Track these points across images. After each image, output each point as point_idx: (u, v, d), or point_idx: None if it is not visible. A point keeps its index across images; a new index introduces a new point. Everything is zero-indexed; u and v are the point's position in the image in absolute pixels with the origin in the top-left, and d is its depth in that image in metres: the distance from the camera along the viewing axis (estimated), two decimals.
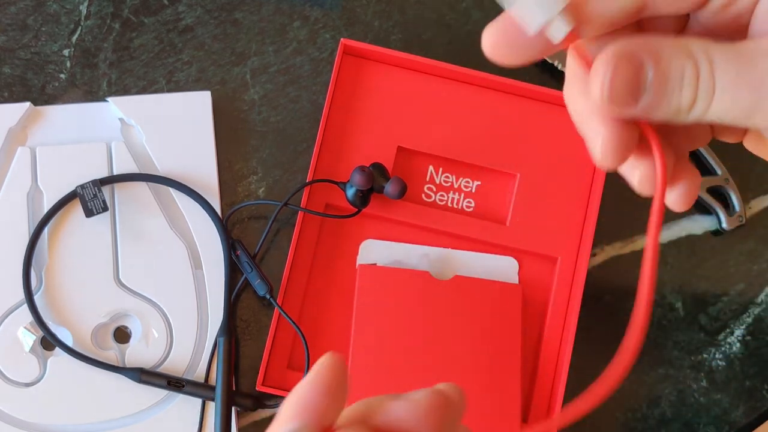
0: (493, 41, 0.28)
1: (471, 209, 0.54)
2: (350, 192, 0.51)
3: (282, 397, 0.50)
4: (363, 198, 0.52)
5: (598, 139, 0.26)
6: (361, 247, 0.53)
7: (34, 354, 0.50)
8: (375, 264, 0.52)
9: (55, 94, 0.55)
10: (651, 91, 0.24)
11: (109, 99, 0.54)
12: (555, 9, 0.24)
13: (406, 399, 0.24)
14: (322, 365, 0.25)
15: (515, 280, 0.53)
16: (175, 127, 0.54)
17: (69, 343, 0.51)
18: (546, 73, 0.57)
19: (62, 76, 0.55)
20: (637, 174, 0.27)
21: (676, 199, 0.28)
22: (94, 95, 0.55)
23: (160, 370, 0.51)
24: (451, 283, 0.51)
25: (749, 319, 0.55)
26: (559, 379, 0.51)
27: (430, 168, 0.54)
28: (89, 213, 0.51)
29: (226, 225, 0.53)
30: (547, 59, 0.56)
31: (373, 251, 0.52)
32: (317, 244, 0.53)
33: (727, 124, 0.24)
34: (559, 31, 0.25)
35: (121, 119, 0.54)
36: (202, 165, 0.54)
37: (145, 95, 0.55)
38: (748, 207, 0.56)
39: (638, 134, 0.26)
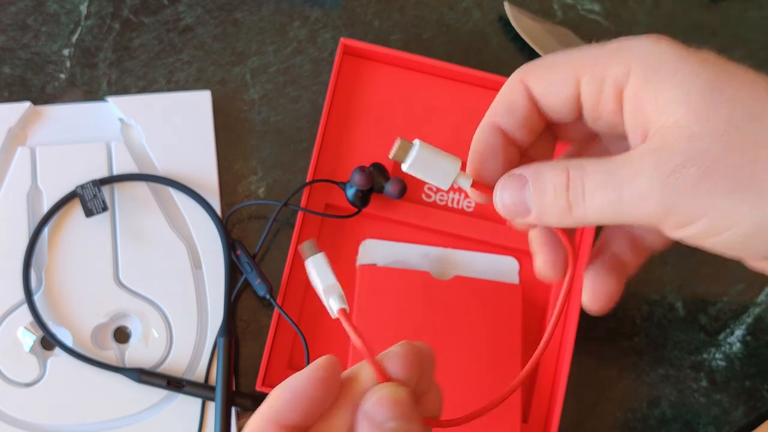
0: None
1: (471, 209, 0.54)
2: (350, 192, 0.51)
3: None
4: (363, 198, 0.52)
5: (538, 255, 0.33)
6: (361, 247, 0.53)
7: (34, 354, 0.50)
8: (375, 264, 0.52)
9: (55, 94, 0.55)
10: (534, 202, 0.30)
11: (108, 99, 0.54)
12: (452, 177, 0.32)
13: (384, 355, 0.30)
14: (318, 361, 0.29)
15: (515, 280, 0.53)
16: (175, 127, 0.54)
17: (69, 343, 0.51)
18: None
19: (62, 75, 0.55)
20: (541, 258, 0.33)
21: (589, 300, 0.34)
22: (94, 95, 0.55)
23: (160, 370, 0.51)
24: (452, 283, 0.51)
25: (749, 319, 0.55)
26: (559, 379, 0.51)
27: None
28: (89, 213, 0.51)
29: (226, 225, 0.53)
30: None
31: (373, 251, 0.52)
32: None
33: (621, 223, 0.28)
34: (465, 183, 0.32)
35: (120, 119, 0.54)
36: (202, 165, 0.54)
37: (145, 95, 0.55)
38: None
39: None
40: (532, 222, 0.31)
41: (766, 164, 0.26)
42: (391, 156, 0.33)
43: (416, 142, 0.33)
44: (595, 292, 0.34)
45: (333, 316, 0.34)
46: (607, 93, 0.29)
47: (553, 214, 0.30)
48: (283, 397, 0.29)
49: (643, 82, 0.28)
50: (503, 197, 0.31)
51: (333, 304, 0.34)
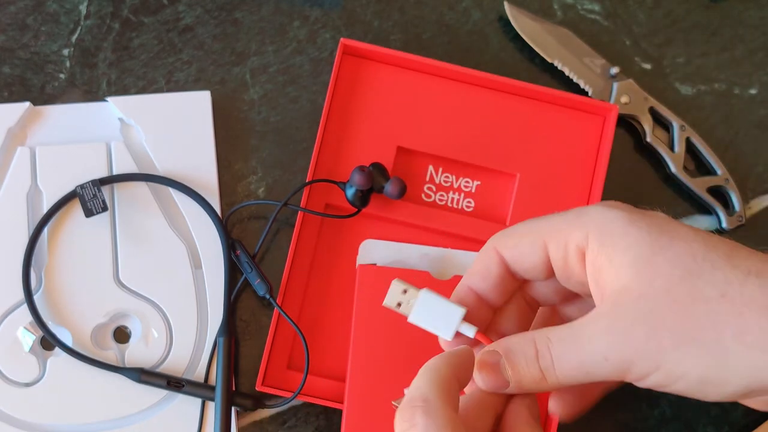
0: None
1: (471, 209, 0.54)
2: (350, 192, 0.51)
3: (282, 398, 0.50)
4: (363, 198, 0.52)
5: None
6: (360, 247, 0.53)
7: (33, 354, 0.51)
8: (375, 264, 0.52)
9: (55, 94, 0.55)
10: (510, 376, 0.33)
11: (108, 99, 0.54)
12: (454, 327, 0.35)
13: None
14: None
15: None
16: (174, 127, 0.54)
17: (69, 343, 0.51)
18: (546, 73, 0.57)
19: (62, 75, 0.55)
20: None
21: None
22: (93, 95, 0.55)
23: (160, 370, 0.51)
24: (451, 283, 0.51)
25: None
26: None
27: (430, 168, 0.54)
28: (89, 213, 0.51)
29: (225, 225, 0.53)
30: (547, 59, 0.56)
31: (373, 251, 0.52)
32: (317, 244, 0.53)
33: (593, 380, 0.32)
34: (469, 332, 0.35)
35: (120, 119, 0.54)
36: (201, 165, 0.54)
37: (145, 95, 0.55)
38: (747, 207, 0.56)
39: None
40: (513, 392, 0.34)
41: (705, 317, 0.29)
42: (385, 303, 0.37)
43: (422, 292, 0.36)
44: (564, 413, 0.38)
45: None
46: (572, 257, 0.33)
47: (530, 383, 0.33)
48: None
49: (599, 247, 0.32)
50: (483, 378, 0.34)
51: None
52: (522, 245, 0.35)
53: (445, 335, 0.35)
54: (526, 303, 0.38)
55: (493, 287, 0.36)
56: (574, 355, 0.31)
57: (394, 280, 0.37)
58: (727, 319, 0.29)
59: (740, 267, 0.30)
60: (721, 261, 0.30)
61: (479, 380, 0.34)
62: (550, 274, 0.35)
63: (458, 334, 0.36)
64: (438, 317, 0.36)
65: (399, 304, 0.37)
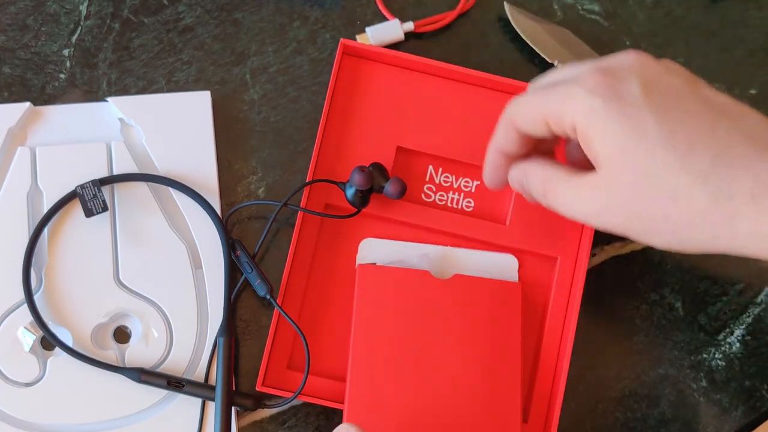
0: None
1: (471, 209, 0.54)
2: (350, 192, 0.51)
3: (282, 398, 0.50)
4: (363, 198, 0.52)
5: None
6: (360, 246, 0.53)
7: (33, 354, 0.51)
8: (374, 263, 0.52)
9: (55, 94, 0.55)
10: (528, 187, 0.45)
11: (109, 99, 0.54)
12: None
13: None
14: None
15: (515, 278, 0.53)
16: (174, 127, 0.54)
17: (69, 343, 0.51)
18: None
19: (62, 76, 0.55)
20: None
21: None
22: (93, 95, 0.55)
23: (160, 370, 0.51)
24: (451, 282, 0.51)
25: (749, 319, 0.55)
26: (559, 379, 0.51)
27: (430, 168, 0.54)
28: (89, 213, 0.51)
29: (226, 225, 0.53)
30: (547, 59, 0.56)
31: (373, 250, 0.52)
32: (317, 244, 0.53)
33: (574, 215, 0.43)
34: None
35: (120, 119, 0.54)
36: (201, 165, 0.54)
37: (145, 95, 0.55)
38: None
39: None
40: (529, 199, 0.46)
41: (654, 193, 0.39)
42: None
43: None
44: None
45: None
46: (569, 130, 0.40)
47: (537, 196, 0.44)
48: None
49: (586, 129, 0.39)
50: (512, 183, 0.47)
51: None
52: (529, 121, 0.42)
53: None
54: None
55: (516, 146, 0.45)
56: (569, 197, 0.42)
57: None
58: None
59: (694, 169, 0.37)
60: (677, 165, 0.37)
61: (513, 184, 0.47)
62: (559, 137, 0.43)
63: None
64: None
65: None
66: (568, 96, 0.40)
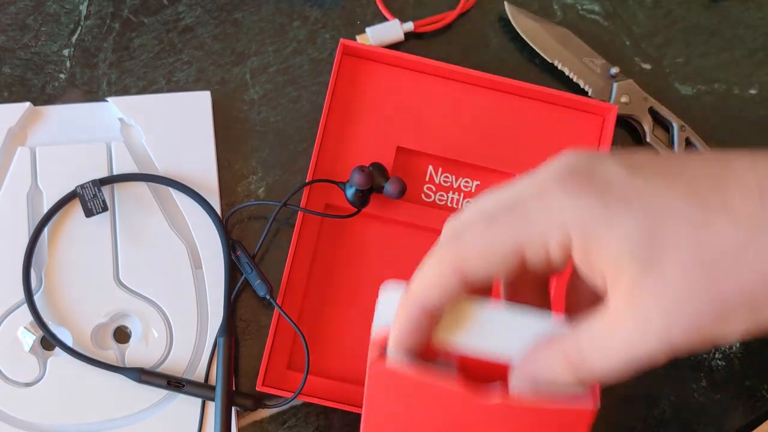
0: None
1: None
2: (350, 192, 0.52)
3: (282, 398, 0.50)
4: (362, 198, 0.52)
5: None
6: (380, 295, 0.34)
7: (33, 354, 0.51)
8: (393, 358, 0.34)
9: (55, 94, 0.55)
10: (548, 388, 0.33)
11: (109, 99, 0.54)
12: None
13: None
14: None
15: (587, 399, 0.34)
16: (175, 127, 0.54)
17: (69, 343, 0.51)
18: (546, 73, 0.57)
19: (62, 76, 0.55)
20: None
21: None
22: (94, 95, 0.55)
23: (160, 370, 0.51)
24: (496, 410, 0.33)
25: None
26: None
27: (430, 168, 0.54)
28: (89, 213, 0.51)
29: (226, 225, 0.53)
30: (547, 59, 0.56)
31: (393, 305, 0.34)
32: (317, 244, 0.53)
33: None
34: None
35: (121, 119, 0.54)
36: (201, 165, 0.54)
37: (145, 95, 0.55)
38: None
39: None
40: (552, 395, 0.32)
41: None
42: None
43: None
44: None
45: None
46: (555, 255, 0.30)
47: (565, 379, 0.31)
48: None
49: (585, 244, 0.29)
50: (520, 392, 0.32)
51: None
52: (491, 261, 0.30)
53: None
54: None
55: (451, 297, 0.31)
56: (609, 353, 0.30)
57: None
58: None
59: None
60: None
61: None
62: (524, 270, 0.31)
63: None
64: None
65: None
66: (543, 209, 0.30)
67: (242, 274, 0.52)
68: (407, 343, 0.32)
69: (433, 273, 0.31)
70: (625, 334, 0.29)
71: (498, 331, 0.32)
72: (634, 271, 0.28)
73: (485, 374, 0.33)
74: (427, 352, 0.32)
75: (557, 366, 0.31)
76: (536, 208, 0.30)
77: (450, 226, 0.32)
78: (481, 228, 0.30)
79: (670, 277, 0.28)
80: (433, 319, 0.32)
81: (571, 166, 0.30)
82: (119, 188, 0.53)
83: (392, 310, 0.33)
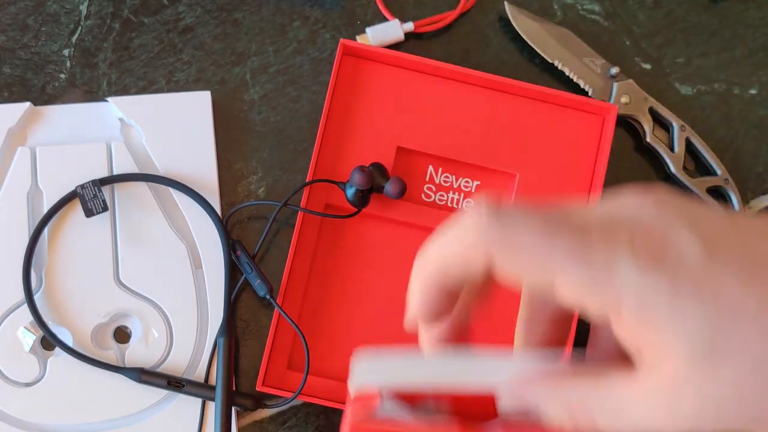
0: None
1: None
2: (350, 192, 0.52)
3: (282, 398, 0.50)
4: (363, 198, 0.52)
5: None
6: (354, 365, 0.30)
7: (34, 354, 0.51)
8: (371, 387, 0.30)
9: (55, 94, 0.55)
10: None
11: (109, 99, 0.54)
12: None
13: None
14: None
15: None
16: (174, 127, 0.54)
17: (69, 343, 0.51)
18: (546, 73, 0.57)
19: (62, 76, 0.55)
20: None
21: None
22: (94, 95, 0.55)
23: (160, 370, 0.51)
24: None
25: None
26: None
27: (430, 168, 0.54)
28: (89, 213, 0.51)
29: (226, 225, 0.53)
30: (547, 59, 0.56)
31: (372, 371, 0.30)
32: (317, 244, 0.53)
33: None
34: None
35: (121, 119, 0.54)
36: (202, 165, 0.54)
37: (145, 95, 0.55)
38: (747, 207, 0.56)
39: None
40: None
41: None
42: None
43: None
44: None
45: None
46: (594, 309, 0.27)
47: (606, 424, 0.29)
48: None
49: (637, 324, 0.27)
50: (554, 419, 0.29)
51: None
52: (535, 270, 0.27)
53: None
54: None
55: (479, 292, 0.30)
56: (621, 417, 0.28)
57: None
58: None
59: None
60: None
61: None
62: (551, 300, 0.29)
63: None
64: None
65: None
66: (608, 270, 0.26)
67: (242, 274, 0.52)
68: (430, 309, 0.29)
69: (459, 248, 0.28)
70: (650, 411, 0.27)
71: (484, 363, 0.29)
72: (684, 364, 0.26)
73: (481, 412, 0.30)
74: (414, 397, 0.29)
75: (553, 405, 0.29)
76: (603, 262, 0.26)
77: (486, 209, 0.28)
78: (541, 235, 0.27)
79: (722, 381, 0.26)
80: (451, 296, 0.29)
81: (645, 228, 0.27)
82: (119, 188, 0.53)
83: (371, 373, 0.30)
